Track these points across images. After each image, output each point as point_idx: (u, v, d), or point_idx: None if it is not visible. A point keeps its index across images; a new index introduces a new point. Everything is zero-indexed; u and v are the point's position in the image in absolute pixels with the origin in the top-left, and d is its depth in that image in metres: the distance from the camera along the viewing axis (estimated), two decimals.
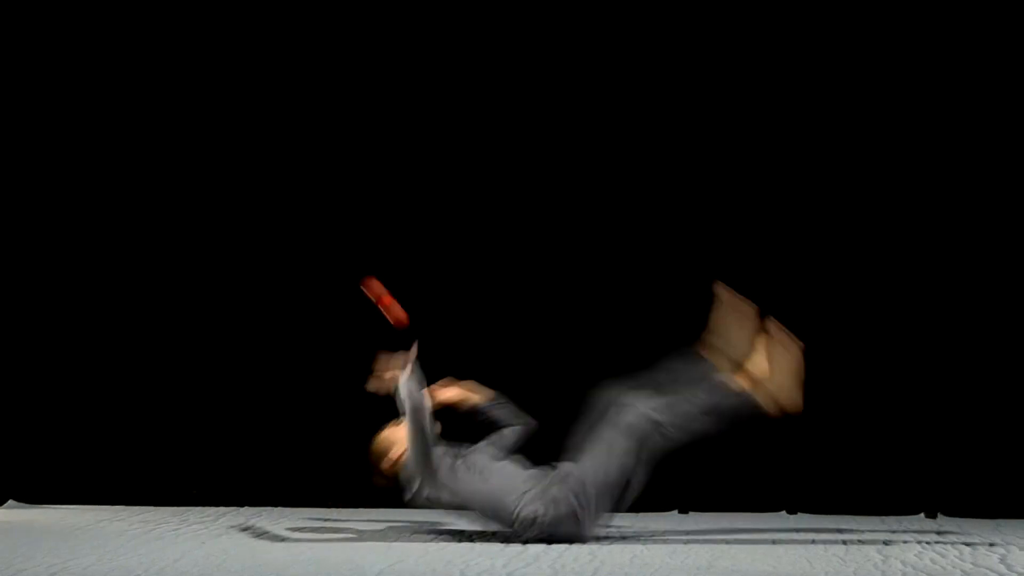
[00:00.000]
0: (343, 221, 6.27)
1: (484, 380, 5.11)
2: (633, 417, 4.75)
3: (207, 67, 6.30)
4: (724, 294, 4.81)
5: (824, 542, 4.85)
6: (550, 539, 4.75)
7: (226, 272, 6.31)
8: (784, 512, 5.91)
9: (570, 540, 4.77)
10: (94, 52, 6.31)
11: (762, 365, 4.78)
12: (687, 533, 5.14)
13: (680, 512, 5.94)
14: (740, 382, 4.77)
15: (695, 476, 5.93)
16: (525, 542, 4.74)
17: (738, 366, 4.79)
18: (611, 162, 6.16)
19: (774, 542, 4.87)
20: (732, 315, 4.80)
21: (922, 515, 5.81)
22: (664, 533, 5.12)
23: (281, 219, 6.30)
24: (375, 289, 4.36)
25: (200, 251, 6.31)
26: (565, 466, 4.81)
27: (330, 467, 6.20)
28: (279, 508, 6.06)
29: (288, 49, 6.28)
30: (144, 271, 6.32)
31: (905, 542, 4.95)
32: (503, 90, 6.21)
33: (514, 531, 4.79)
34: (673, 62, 6.11)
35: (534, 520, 4.76)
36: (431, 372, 4.91)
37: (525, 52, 6.19)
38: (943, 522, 5.64)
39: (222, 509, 5.99)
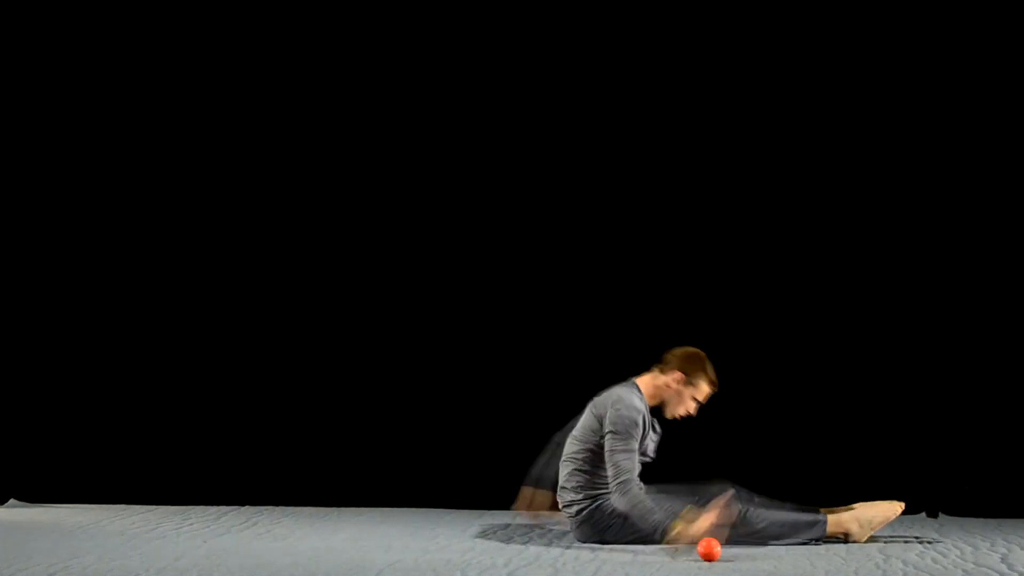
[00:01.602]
0: (340, 220, 6.27)
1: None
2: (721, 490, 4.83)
3: (207, 67, 6.30)
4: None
5: (825, 542, 4.85)
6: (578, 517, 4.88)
7: (226, 273, 6.30)
8: None
9: (586, 537, 4.86)
10: (94, 52, 6.31)
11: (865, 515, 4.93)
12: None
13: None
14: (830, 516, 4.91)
15: (696, 476, 5.91)
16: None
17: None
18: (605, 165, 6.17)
19: (775, 542, 4.87)
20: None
21: (923, 515, 5.81)
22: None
23: (279, 219, 6.29)
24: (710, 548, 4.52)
25: (200, 252, 6.31)
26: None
27: (330, 467, 6.20)
28: (279, 508, 6.06)
29: (290, 49, 6.28)
30: (144, 272, 6.32)
31: (906, 542, 4.94)
32: (503, 93, 6.22)
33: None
34: (659, 67, 6.12)
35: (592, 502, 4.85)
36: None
37: (523, 54, 6.20)
38: (944, 522, 5.63)
39: (222, 509, 5.98)
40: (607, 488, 4.82)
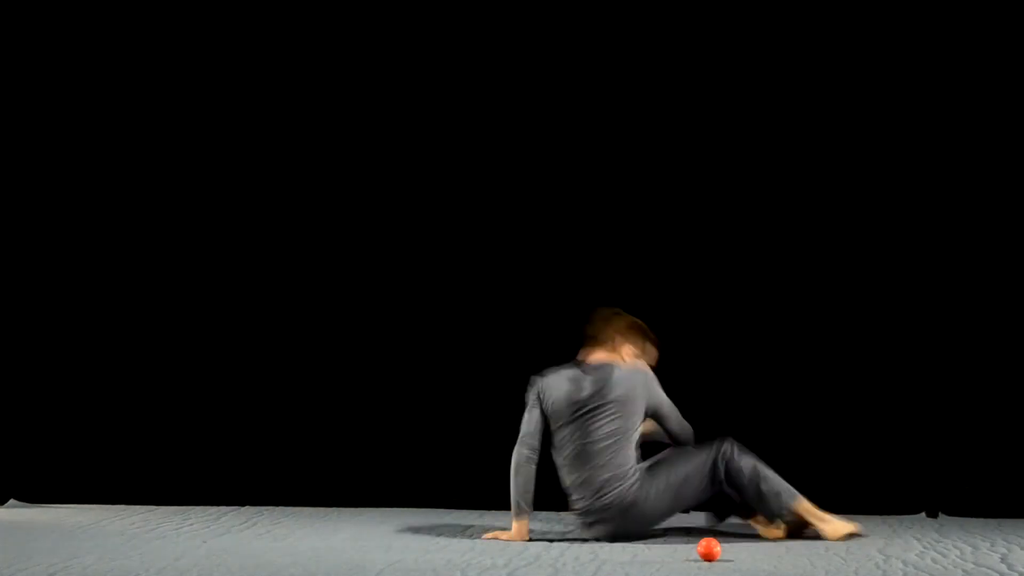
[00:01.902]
0: (339, 221, 6.27)
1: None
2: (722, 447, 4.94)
3: (206, 67, 6.30)
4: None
5: (825, 541, 4.85)
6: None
7: (225, 274, 6.30)
8: None
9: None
10: (94, 52, 6.31)
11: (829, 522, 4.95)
12: (688, 531, 5.14)
13: (682, 512, 5.93)
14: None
15: None
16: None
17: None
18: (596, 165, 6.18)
19: (775, 541, 4.88)
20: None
21: (923, 515, 5.81)
22: (665, 531, 5.12)
23: (278, 219, 6.29)
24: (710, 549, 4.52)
25: (199, 252, 6.30)
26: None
27: (330, 467, 6.20)
28: (279, 508, 6.06)
29: (291, 49, 6.29)
30: (144, 272, 6.31)
31: (906, 541, 4.94)
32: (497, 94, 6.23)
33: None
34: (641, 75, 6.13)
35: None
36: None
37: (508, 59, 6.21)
38: (944, 521, 5.63)
39: (222, 509, 5.98)
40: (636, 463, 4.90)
